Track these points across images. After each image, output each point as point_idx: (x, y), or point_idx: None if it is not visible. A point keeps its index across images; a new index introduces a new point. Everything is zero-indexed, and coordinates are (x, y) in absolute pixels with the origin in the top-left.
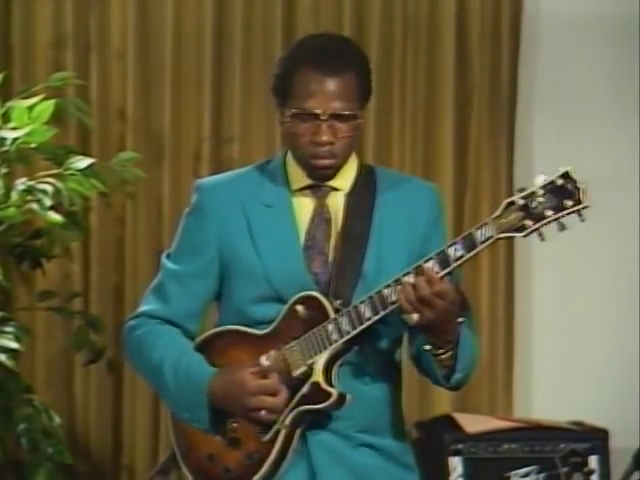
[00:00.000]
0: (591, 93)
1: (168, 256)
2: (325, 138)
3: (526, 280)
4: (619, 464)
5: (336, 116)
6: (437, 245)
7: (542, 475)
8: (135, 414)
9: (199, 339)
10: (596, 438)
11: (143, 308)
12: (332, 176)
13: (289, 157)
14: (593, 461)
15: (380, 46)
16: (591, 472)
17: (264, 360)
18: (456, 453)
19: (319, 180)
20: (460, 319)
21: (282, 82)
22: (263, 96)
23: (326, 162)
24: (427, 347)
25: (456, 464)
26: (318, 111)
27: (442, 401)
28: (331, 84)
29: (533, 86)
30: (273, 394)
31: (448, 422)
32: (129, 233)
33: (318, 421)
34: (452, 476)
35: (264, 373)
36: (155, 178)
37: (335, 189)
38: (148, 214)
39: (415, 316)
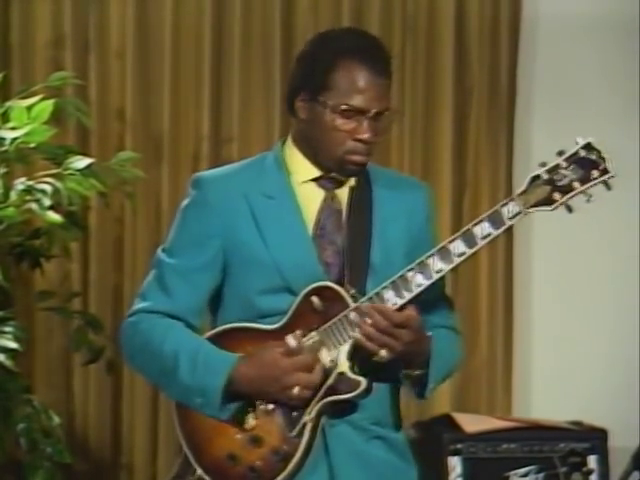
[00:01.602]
0: (590, 92)
1: (164, 250)
2: (367, 136)
3: (525, 279)
4: (618, 464)
5: (378, 115)
6: (430, 242)
7: (541, 475)
8: (134, 414)
9: (205, 336)
10: (595, 438)
11: (143, 304)
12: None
13: (290, 149)
14: (592, 461)
15: None
16: (590, 472)
17: (291, 340)
18: (455, 453)
19: (347, 176)
20: (429, 333)
21: (320, 73)
22: (262, 96)
23: (362, 159)
24: (404, 372)
25: (455, 464)
26: (366, 108)
27: (441, 401)
28: (378, 82)
29: (532, 85)
30: (308, 370)
31: (447, 422)
32: (128, 233)
33: (337, 412)
34: (451, 476)
35: (293, 353)
36: (154, 178)
37: (342, 182)
38: (147, 214)
39: (383, 352)
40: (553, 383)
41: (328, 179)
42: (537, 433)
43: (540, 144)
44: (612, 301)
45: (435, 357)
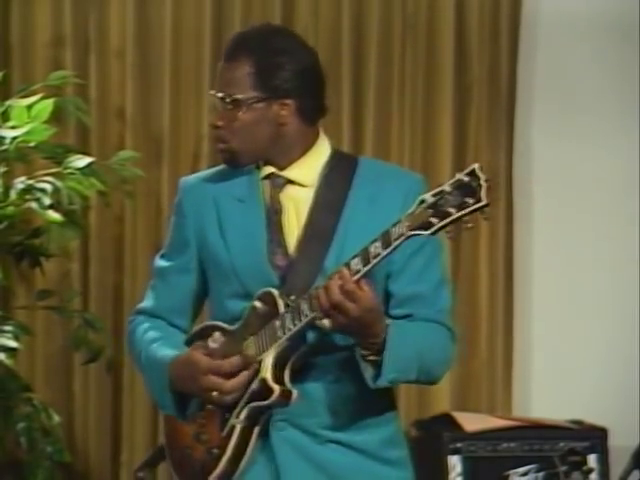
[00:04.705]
0: (590, 90)
1: (161, 255)
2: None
3: (526, 279)
4: (618, 463)
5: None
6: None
7: (541, 474)
8: (134, 413)
9: (190, 334)
10: (595, 437)
11: (139, 304)
12: (283, 166)
13: None
14: (592, 460)
15: (380, 43)
16: (590, 471)
17: (210, 342)
18: (455, 452)
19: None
20: (387, 322)
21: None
22: None
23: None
24: (360, 353)
25: (455, 463)
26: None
27: (441, 400)
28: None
29: (532, 83)
30: (224, 376)
31: (447, 421)
32: (128, 232)
33: (281, 418)
34: (451, 475)
35: (211, 354)
36: (154, 177)
37: (291, 181)
38: (147, 213)
39: (326, 322)
40: (553, 382)
41: (275, 178)
42: (537, 432)
43: (540, 142)
44: (612, 300)
45: (396, 347)
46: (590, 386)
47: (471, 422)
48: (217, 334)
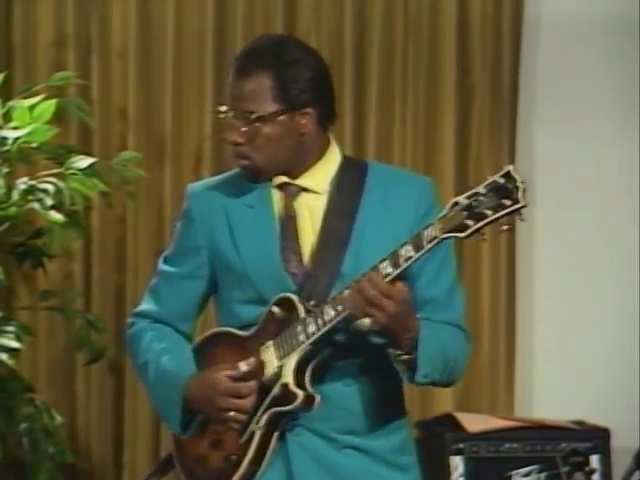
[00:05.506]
0: (592, 92)
1: (164, 258)
2: None
3: (528, 279)
4: (620, 463)
5: None
6: None
7: (543, 474)
8: (136, 413)
9: (197, 340)
10: (597, 437)
11: (140, 307)
12: (296, 175)
13: None
14: (594, 460)
15: (382, 43)
16: (592, 471)
17: (243, 366)
18: (457, 452)
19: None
20: (418, 315)
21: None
22: None
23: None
24: (391, 350)
25: (457, 463)
26: None
27: (443, 400)
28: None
29: (534, 84)
30: (242, 397)
31: (449, 421)
32: (130, 232)
33: (298, 423)
34: (453, 475)
35: (239, 377)
36: (156, 178)
37: (305, 189)
38: (149, 214)
39: (367, 320)
40: (555, 382)
41: (287, 186)
42: (539, 433)
43: (542, 143)
44: (614, 300)
45: (427, 341)
46: (592, 386)
47: (473, 423)
48: (252, 360)
